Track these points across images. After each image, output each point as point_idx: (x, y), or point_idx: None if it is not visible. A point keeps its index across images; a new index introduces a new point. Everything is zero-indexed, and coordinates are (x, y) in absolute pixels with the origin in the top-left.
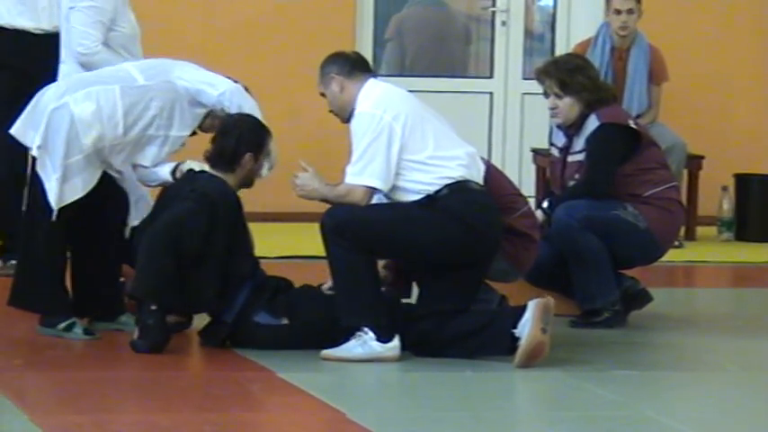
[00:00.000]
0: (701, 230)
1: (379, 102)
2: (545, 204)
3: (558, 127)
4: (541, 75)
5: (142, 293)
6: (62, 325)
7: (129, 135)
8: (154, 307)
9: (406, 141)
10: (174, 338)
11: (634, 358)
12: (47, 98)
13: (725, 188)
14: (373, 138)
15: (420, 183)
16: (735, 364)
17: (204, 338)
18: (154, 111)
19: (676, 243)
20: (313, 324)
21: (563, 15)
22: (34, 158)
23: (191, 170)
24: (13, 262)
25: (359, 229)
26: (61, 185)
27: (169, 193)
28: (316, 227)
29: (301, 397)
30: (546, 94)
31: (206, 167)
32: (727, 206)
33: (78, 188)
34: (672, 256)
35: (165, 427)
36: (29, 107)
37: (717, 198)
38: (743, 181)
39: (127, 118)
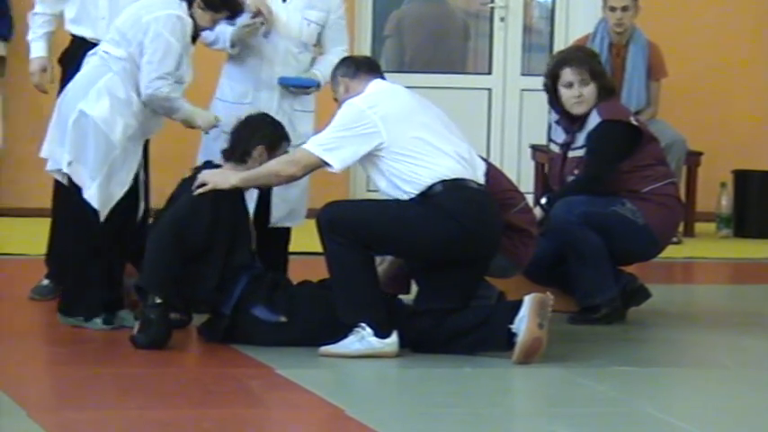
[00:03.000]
0: (699, 227)
1: (370, 97)
2: (543, 201)
3: (557, 123)
4: (574, 63)
5: (149, 286)
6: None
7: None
8: (158, 301)
9: (392, 138)
10: (174, 335)
11: (633, 354)
12: (64, 112)
13: (723, 184)
14: (353, 132)
15: (411, 177)
16: (733, 361)
17: (204, 333)
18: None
19: (675, 239)
20: (311, 323)
21: (561, 11)
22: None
23: (197, 167)
24: None
25: (353, 225)
26: (106, 188)
27: (180, 190)
28: (313, 223)
29: (300, 393)
30: (544, 88)
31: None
32: (725, 202)
33: (125, 181)
34: (670, 252)
35: (165, 423)
36: (51, 126)
37: (715, 194)
38: (742, 177)
39: (137, 93)
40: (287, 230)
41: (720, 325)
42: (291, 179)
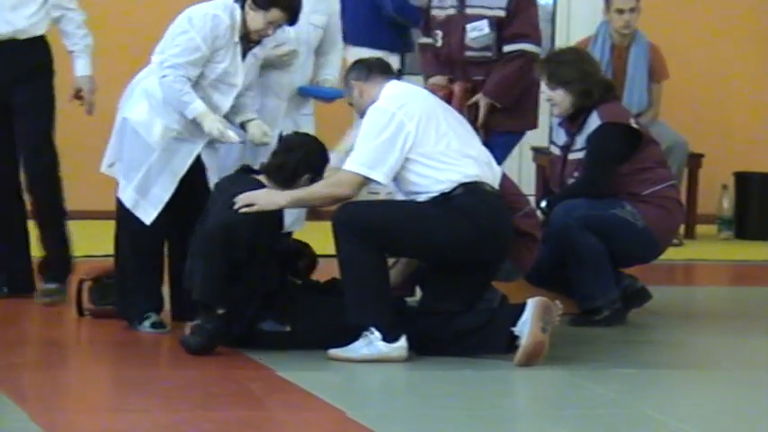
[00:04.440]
0: (700, 229)
1: (395, 99)
2: (543, 204)
3: (560, 125)
4: (536, 67)
5: (212, 300)
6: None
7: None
8: (221, 311)
9: (420, 139)
10: (173, 337)
11: (633, 356)
12: (116, 117)
13: (725, 186)
14: (386, 133)
15: (433, 180)
16: (734, 363)
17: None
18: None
19: (676, 241)
20: (315, 331)
21: (563, 13)
22: None
23: (241, 172)
24: None
25: (370, 224)
26: (146, 191)
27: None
28: (325, 225)
29: (301, 395)
30: None
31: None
32: (726, 204)
33: (162, 194)
34: (671, 254)
35: (166, 425)
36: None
37: (716, 196)
38: (743, 179)
39: None
40: (288, 235)
41: (721, 327)
42: (345, 200)
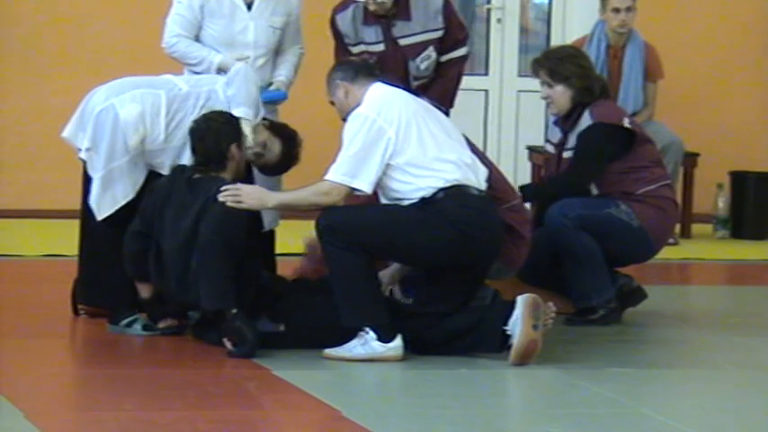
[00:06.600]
0: (696, 228)
1: (376, 104)
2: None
3: (555, 123)
4: (534, 66)
5: (224, 304)
6: (124, 322)
7: (170, 142)
8: (234, 311)
9: (401, 145)
10: (171, 337)
11: (630, 356)
12: (95, 100)
13: (720, 186)
14: (367, 140)
15: (414, 187)
16: (730, 362)
17: (204, 336)
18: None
19: (671, 240)
20: (308, 331)
21: (558, 12)
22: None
23: (191, 176)
24: None
25: (353, 229)
26: (102, 192)
27: (162, 193)
28: (299, 224)
29: (297, 395)
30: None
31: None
32: (722, 204)
33: (119, 197)
34: (667, 253)
35: (161, 425)
36: (78, 109)
37: (712, 195)
38: (738, 178)
39: (169, 126)
40: (272, 233)
41: (717, 326)
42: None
